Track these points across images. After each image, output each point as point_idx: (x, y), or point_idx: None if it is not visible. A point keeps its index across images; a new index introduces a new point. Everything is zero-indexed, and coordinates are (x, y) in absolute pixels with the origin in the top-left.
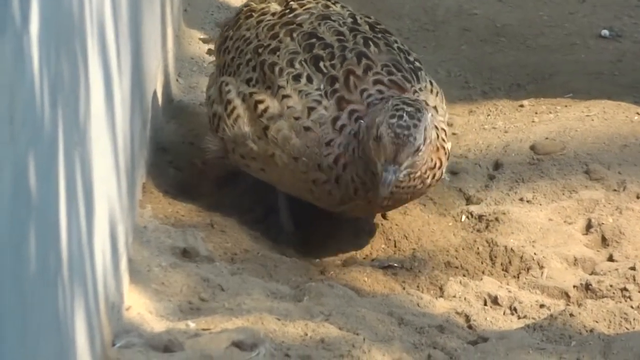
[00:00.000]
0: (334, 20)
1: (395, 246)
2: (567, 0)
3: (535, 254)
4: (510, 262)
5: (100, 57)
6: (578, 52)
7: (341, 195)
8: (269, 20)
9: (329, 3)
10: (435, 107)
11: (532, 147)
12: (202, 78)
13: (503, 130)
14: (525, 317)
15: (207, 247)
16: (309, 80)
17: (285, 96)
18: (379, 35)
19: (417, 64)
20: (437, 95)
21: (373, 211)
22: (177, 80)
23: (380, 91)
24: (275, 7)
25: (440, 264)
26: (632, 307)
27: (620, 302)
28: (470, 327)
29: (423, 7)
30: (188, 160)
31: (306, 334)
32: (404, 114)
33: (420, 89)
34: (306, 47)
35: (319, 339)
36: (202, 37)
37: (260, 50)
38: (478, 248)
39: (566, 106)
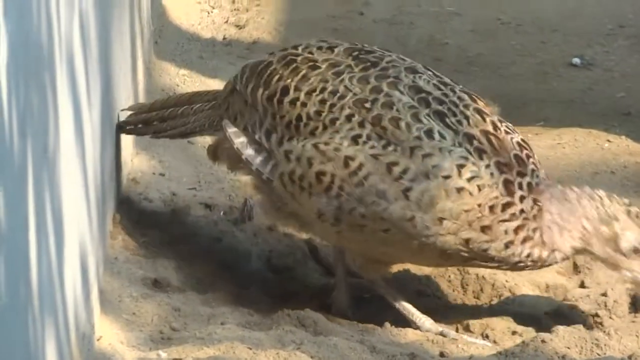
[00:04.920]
0: (421, 73)
1: None
2: (539, 29)
3: (507, 281)
4: (482, 290)
5: (70, 89)
6: (550, 81)
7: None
8: (351, 71)
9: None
10: None
11: None
12: None
13: None
14: (497, 343)
15: (178, 277)
16: (442, 136)
17: (425, 155)
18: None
19: None
20: None
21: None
22: None
23: (534, 169)
24: (327, 55)
25: (413, 293)
26: (603, 333)
27: (592, 328)
28: (442, 354)
29: (395, 37)
30: (158, 191)
31: None
32: None
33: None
34: (421, 102)
35: None
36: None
37: (367, 105)
38: (449, 276)
39: (537, 134)
